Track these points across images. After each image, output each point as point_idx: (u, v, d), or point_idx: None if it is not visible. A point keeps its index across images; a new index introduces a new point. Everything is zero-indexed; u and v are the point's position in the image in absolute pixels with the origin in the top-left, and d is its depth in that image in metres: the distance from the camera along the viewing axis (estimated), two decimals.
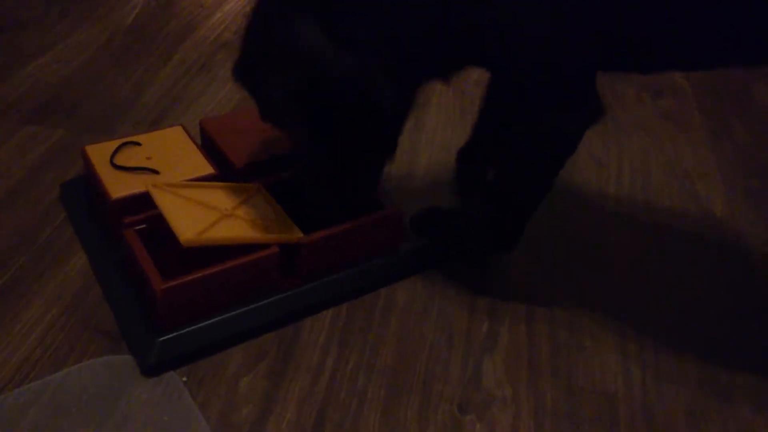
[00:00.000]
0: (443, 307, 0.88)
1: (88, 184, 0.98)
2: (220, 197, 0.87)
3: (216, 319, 0.82)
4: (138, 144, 0.98)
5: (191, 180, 0.91)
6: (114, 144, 0.97)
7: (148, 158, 0.95)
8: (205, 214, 0.84)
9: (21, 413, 0.72)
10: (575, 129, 0.84)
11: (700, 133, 1.24)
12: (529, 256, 0.95)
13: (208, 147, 1.02)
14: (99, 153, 0.95)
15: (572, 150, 0.86)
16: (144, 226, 0.86)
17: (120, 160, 0.95)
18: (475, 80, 1.22)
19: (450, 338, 0.84)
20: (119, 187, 0.89)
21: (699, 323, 0.89)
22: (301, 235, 0.85)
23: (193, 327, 0.81)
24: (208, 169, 0.94)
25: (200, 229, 0.80)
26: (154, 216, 0.84)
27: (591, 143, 1.15)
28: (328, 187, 0.87)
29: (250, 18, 0.81)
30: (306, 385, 0.79)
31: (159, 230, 0.83)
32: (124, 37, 1.40)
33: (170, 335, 0.79)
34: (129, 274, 0.86)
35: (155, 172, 0.93)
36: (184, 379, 0.78)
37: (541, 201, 0.89)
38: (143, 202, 0.86)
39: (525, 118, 0.84)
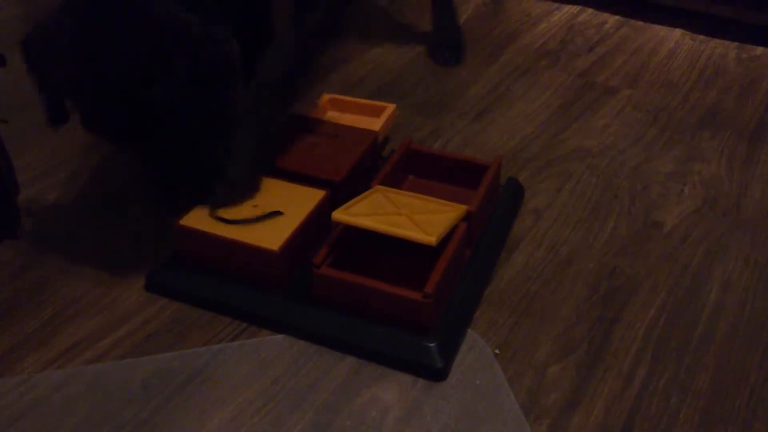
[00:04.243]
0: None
1: (195, 259, 0.85)
2: (382, 204, 0.85)
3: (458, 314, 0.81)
4: None
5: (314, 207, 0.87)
6: (203, 209, 0.86)
7: (255, 206, 0.86)
8: (403, 219, 0.82)
9: None
10: None
11: None
12: None
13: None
14: (199, 220, 0.84)
15: None
16: (329, 259, 0.81)
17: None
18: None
19: None
20: (267, 240, 0.81)
21: None
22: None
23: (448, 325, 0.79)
24: (318, 194, 0.88)
25: (430, 230, 0.79)
26: (332, 247, 0.82)
27: None
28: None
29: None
30: (616, 389, 0.75)
31: (339, 258, 0.83)
32: None
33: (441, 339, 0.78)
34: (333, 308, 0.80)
35: (279, 213, 0.85)
36: (497, 351, 0.78)
37: None
38: (292, 245, 0.82)
39: None
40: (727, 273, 0.88)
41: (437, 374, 0.74)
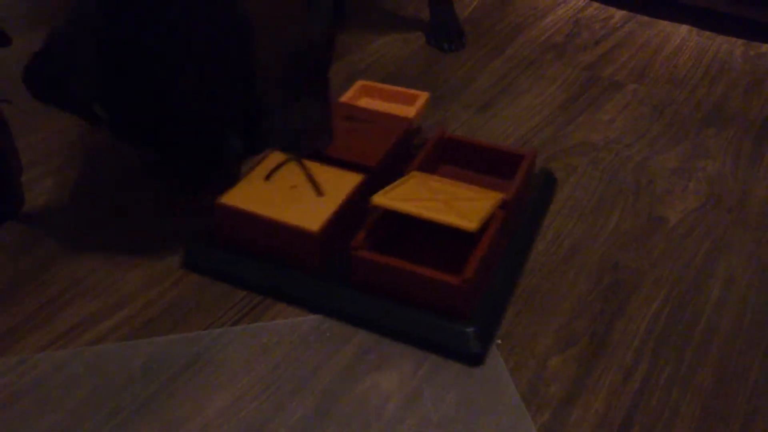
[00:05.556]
0: None
1: (233, 237, 0.85)
2: (421, 190, 0.84)
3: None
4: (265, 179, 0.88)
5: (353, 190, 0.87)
6: (249, 188, 0.86)
7: (293, 187, 0.86)
8: (442, 205, 0.81)
9: None
10: None
11: None
12: None
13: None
14: (242, 198, 0.84)
15: None
16: (367, 242, 0.80)
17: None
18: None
19: None
20: (306, 220, 0.80)
21: None
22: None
23: (485, 312, 0.79)
24: (357, 178, 0.88)
25: (470, 216, 0.79)
26: (370, 231, 0.81)
27: None
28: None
29: None
30: (616, 382, 0.74)
31: (377, 242, 0.83)
32: None
33: (478, 324, 0.77)
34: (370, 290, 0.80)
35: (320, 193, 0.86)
36: (498, 341, 0.78)
37: None
38: (331, 226, 0.82)
39: None
40: (731, 269, 0.88)
41: (474, 359, 0.74)
